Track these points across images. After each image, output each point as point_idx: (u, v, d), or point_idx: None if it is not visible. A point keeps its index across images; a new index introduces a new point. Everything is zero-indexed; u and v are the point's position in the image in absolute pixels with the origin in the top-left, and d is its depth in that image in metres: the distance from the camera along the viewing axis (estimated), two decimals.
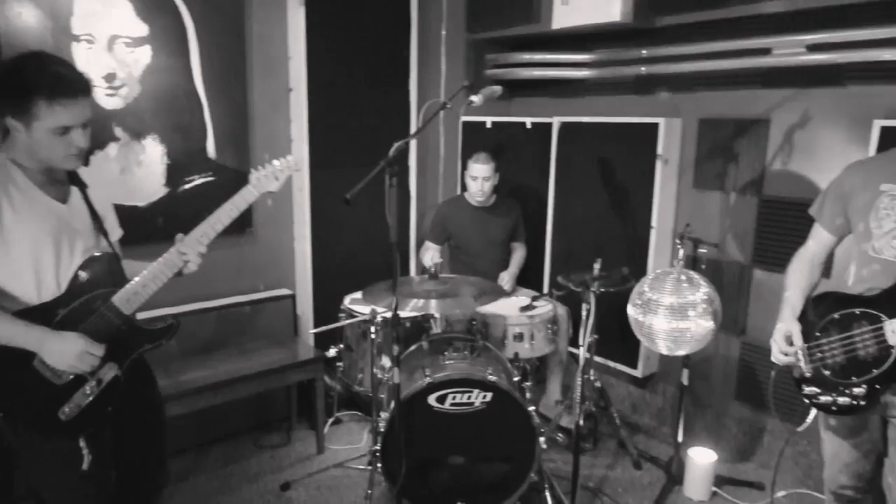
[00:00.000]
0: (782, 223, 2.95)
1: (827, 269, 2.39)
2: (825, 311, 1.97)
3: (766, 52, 2.86)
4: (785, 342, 2.01)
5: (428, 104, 3.90)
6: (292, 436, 3.51)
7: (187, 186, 3.21)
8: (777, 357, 2.05)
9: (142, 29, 2.97)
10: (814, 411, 2.03)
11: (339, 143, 3.69)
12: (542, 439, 2.72)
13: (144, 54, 2.99)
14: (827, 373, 1.94)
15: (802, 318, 2.04)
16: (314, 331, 3.42)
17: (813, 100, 2.87)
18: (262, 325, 3.50)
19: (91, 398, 1.78)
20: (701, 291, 2.59)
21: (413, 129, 3.95)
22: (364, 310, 3.08)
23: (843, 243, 2.09)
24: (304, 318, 3.68)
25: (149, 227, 3.05)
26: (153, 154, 3.09)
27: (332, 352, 3.20)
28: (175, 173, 3.17)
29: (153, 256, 1.91)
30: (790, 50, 2.79)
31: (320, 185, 3.62)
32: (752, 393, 3.23)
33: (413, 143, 4.04)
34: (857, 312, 1.88)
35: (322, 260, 3.72)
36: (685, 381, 3.00)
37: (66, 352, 1.70)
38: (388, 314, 2.53)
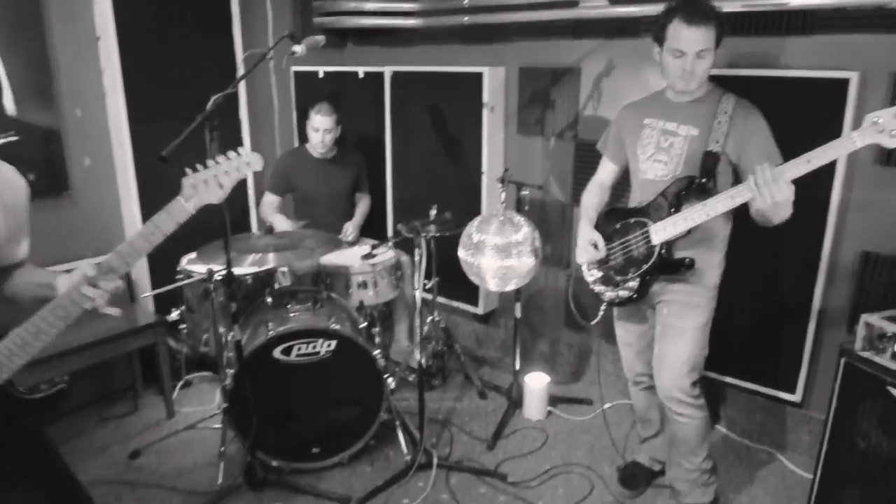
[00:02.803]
0: (596, 164, 3.21)
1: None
2: (610, 223, 2.37)
3: (573, 4, 3.06)
4: (592, 247, 2.36)
5: (247, 54, 3.75)
6: (139, 403, 3.41)
7: None
8: (587, 256, 2.38)
9: None
10: (604, 306, 2.42)
11: (161, 95, 3.47)
12: (389, 380, 2.86)
13: None
14: (612, 272, 2.35)
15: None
16: (146, 295, 3.31)
17: (616, 50, 3.12)
18: None
19: None
20: (522, 231, 2.81)
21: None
22: (202, 269, 3.02)
23: None
24: (140, 283, 3.52)
25: None
26: None
27: (173, 314, 3.13)
28: None
29: None
30: (594, 3, 3.00)
31: (143, 141, 3.42)
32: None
33: (242, 96, 3.90)
34: (632, 221, 2.29)
35: None
36: (518, 315, 3.25)
37: None
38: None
